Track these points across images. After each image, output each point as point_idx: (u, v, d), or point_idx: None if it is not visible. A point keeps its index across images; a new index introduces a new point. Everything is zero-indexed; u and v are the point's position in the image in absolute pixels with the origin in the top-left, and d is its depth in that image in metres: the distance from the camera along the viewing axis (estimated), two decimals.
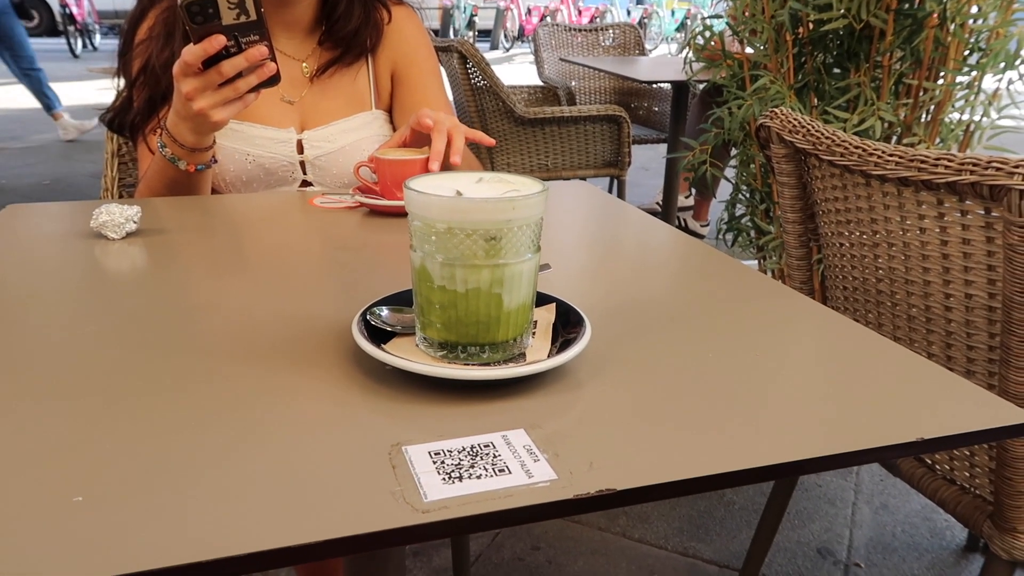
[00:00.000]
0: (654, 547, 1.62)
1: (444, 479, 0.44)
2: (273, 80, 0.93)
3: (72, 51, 11.65)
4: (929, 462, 1.04)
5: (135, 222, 0.85)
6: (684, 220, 3.68)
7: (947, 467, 1.01)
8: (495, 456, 0.46)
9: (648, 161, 5.07)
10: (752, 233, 1.98)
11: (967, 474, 0.98)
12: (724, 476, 0.45)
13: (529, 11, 13.97)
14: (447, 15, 13.36)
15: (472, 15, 13.65)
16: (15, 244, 0.86)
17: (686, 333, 0.65)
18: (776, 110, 1.09)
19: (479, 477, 0.44)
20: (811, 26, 1.73)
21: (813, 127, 1.02)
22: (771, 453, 0.47)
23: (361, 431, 0.49)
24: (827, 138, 0.99)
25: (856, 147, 0.94)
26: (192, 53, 0.88)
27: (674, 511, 1.73)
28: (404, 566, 0.69)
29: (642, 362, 0.59)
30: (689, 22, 13.67)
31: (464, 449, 0.47)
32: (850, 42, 1.73)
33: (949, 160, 0.84)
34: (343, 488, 0.43)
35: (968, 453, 0.97)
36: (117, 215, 0.83)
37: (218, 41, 0.87)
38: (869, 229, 0.99)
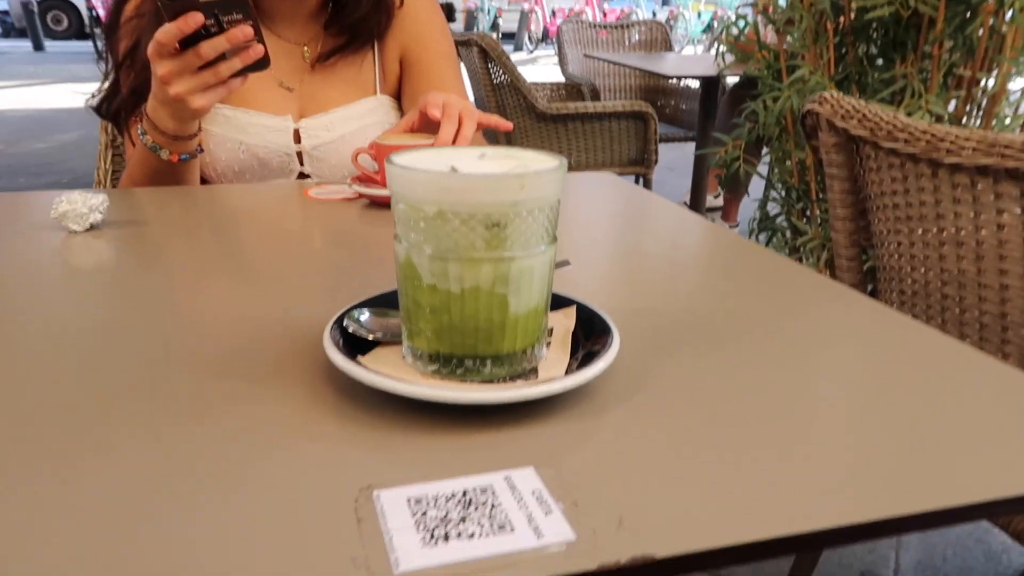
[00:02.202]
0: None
1: (424, 539, 0.33)
2: (261, 64, 0.84)
3: (99, 53, 11.72)
4: None
5: (101, 212, 0.75)
6: (712, 220, 3.56)
7: None
8: (494, 505, 0.35)
9: (674, 161, 4.94)
10: (787, 234, 1.86)
11: None
12: (797, 538, 0.34)
13: (553, 13, 13.87)
14: (471, 17, 13.31)
15: (496, 17, 13.59)
16: None
17: (735, 345, 0.54)
18: (826, 94, 0.97)
19: (471, 536, 0.33)
20: (854, 14, 1.61)
21: (870, 111, 0.90)
22: (856, 508, 0.36)
23: (324, 469, 0.38)
24: (887, 123, 0.87)
25: (923, 132, 0.82)
26: (166, 32, 0.79)
27: None
28: None
29: (681, 381, 0.48)
30: (716, 24, 13.49)
31: (454, 495, 0.36)
32: (896, 31, 1.61)
33: None
34: (289, 551, 0.32)
35: None
36: (80, 204, 0.73)
37: (195, 19, 0.78)
38: (934, 226, 0.87)
